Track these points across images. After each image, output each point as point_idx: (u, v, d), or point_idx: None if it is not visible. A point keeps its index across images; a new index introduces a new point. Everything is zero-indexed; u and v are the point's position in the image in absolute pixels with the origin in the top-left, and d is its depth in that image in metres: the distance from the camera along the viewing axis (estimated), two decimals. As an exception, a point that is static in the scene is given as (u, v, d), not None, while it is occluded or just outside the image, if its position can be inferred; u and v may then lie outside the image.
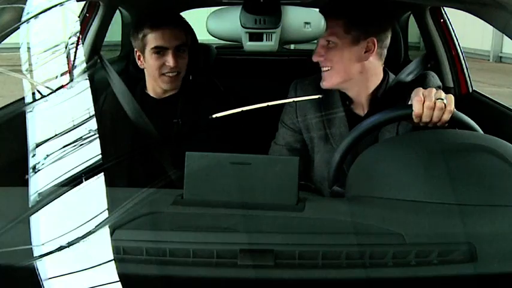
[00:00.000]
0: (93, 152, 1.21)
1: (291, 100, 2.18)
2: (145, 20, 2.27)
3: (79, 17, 2.79)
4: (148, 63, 2.26)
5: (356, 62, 2.04)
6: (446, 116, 1.65)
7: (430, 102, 1.63)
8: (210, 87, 2.44)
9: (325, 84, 2.07)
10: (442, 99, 1.64)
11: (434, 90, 1.67)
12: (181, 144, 2.21)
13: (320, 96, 2.14)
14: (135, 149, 2.26)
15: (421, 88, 1.69)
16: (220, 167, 1.30)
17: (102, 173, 1.19)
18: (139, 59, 2.31)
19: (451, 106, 1.65)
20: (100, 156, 1.20)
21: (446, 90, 2.94)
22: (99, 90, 2.46)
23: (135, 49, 2.31)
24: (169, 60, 2.22)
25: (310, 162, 2.16)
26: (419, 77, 2.19)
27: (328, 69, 2.05)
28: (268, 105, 1.87)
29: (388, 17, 2.14)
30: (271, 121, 2.24)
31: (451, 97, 1.66)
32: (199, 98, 2.34)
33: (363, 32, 2.02)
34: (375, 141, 1.87)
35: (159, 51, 2.22)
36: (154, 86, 2.31)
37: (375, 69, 2.08)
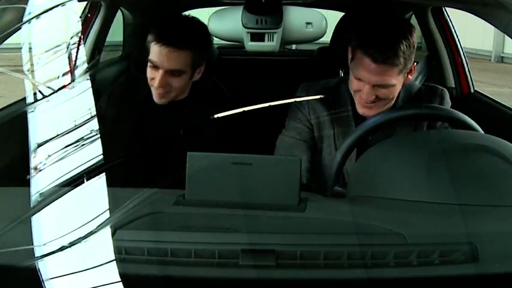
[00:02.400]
0: (94, 152, 1.21)
1: (292, 100, 2.18)
2: (156, 24, 2.16)
3: (80, 17, 2.79)
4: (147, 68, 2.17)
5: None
6: None
7: None
8: (216, 94, 2.35)
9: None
10: None
11: None
12: (183, 145, 2.19)
13: (323, 96, 2.13)
14: (135, 152, 2.25)
15: None
16: (222, 167, 1.30)
17: (104, 173, 1.19)
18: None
19: None
20: (101, 157, 1.20)
21: (448, 91, 2.95)
22: (101, 91, 2.46)
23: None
24: (156, 80, 2.10)
25: (318, 162, 2.16)
26: (435, 91, 2.18)
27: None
28: (270, 106, 1.87)
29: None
30: (273, 121, 2.24)
31: None
32: (204, 104, 2.25)
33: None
34: None
35: (154, 65, 2.10)
36: (153, 93, 2.22)
37: None
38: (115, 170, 2.15)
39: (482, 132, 1.70)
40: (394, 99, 2.04)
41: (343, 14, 3.37)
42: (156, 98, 2.18)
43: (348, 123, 2.11)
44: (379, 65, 1.89)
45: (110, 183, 1.21)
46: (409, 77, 2.03)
